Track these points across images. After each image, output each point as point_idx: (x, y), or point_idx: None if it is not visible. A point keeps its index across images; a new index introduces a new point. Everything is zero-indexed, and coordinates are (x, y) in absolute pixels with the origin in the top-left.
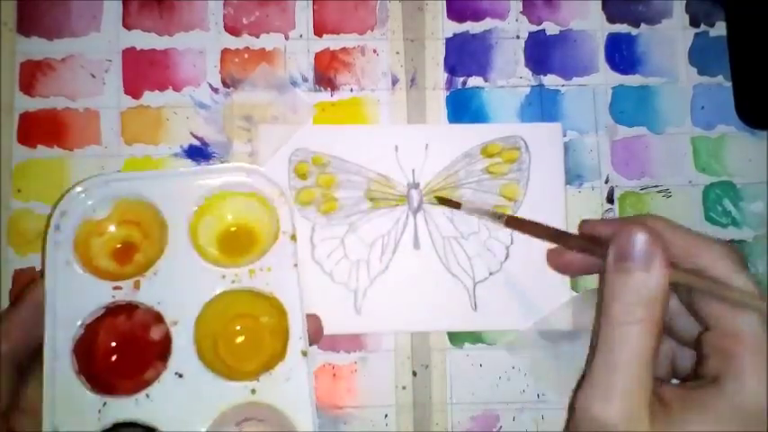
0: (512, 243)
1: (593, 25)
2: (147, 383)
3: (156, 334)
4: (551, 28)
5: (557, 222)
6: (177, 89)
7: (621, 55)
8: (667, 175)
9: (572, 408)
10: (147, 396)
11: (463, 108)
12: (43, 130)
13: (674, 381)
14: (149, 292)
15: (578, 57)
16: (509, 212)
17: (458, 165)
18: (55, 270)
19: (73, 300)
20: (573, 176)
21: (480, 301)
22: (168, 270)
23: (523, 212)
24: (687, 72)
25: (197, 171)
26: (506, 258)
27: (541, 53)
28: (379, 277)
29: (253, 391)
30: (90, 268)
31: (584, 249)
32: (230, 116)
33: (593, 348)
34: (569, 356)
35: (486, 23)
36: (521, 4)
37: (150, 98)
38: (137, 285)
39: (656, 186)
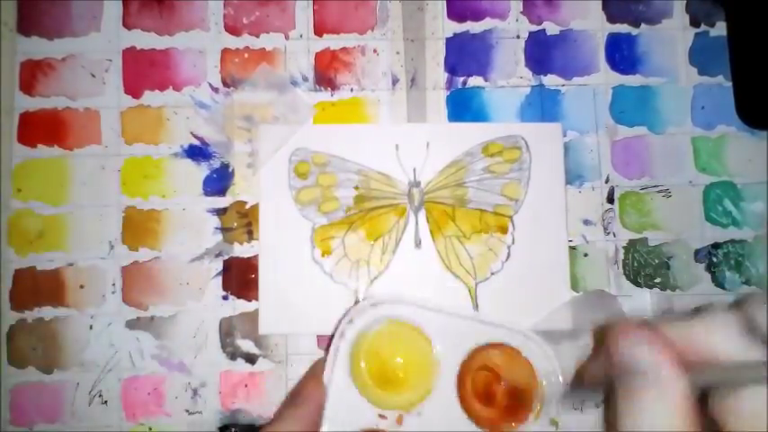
0: (513, 243)
1: (593, 25)
2: None
3: None
4: (551, 28)
5: (557, 222)
6: (177, 89)
7: (622, 55)
8: (668, 175)
9: None
10: None
11: (463, 108)
12: (43, 129)
13: None
14: (409, 430)
15: (578, 57)
16: (510, 212)
17: (459, 163)
18: (337, 382)
19: (342, 417)
20: (573, 176)
21: (482, 301)
22: (432, 413)
23: (524, 212)
24: (687, 72)
25: (480, 319)
26: (508, 258)
27: (542, 53)
28: (380, 277)
29: None
30: (361, 386)
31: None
32: (231, 116)
33: None
34: (569, 356)
35: (487, 23)
36: (521, 4)
37: (150, 98)
38: (399, 420)
39: (656, 186)
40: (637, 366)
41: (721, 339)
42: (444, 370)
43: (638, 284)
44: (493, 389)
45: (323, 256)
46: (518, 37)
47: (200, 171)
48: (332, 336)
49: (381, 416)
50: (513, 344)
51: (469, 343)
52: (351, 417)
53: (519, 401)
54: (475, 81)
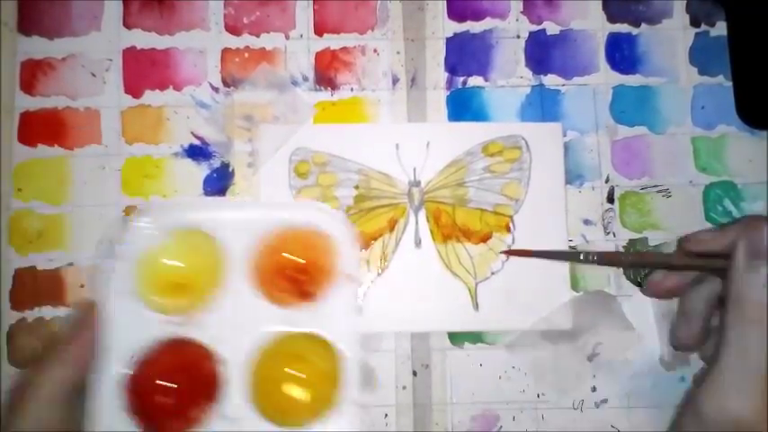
0: (513, 242)
1: (593, 25)
2: (195, 424)
3: (206, 372)
4: (552, 28)
5: (557, 222)
6: (178, 88)
7: (622, 55)
8: (668, 175)
9: (695, 406)
10: None
11: (464, 108)
12: (44, 129)
13: None
14: (203, 328)
15: (579, 56)
16: (510, 212)
17: (459, 163)
18: (113, 300)
19: (127, 332)
20: (573, 176)
21: (482, 301)
22: (224, 306)
23: (525, 212)
24: (687, 72)
25: (264, 205)
26: (508, 258)
27: (542, 53)
28: (380, 277)
29: None
30: (146, 300)
31: (696, 267)
32: (231, 116)
33: (720, 347)
34: (569, 356)
35: (487, 23)
36: (521, 3)
37: (151, 97)
38: (191, 320)
39: (656, 186)
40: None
41: None
42: (233, 260)
43: (638, 284)
44: (287, 269)
45: None
46: (518, 37)
47: (200, 171)
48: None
49: (170, 321)
50: (305, 221)
51: (257, 229)
52: (137, 330)
53: (319, 273)
54: (475, 81)
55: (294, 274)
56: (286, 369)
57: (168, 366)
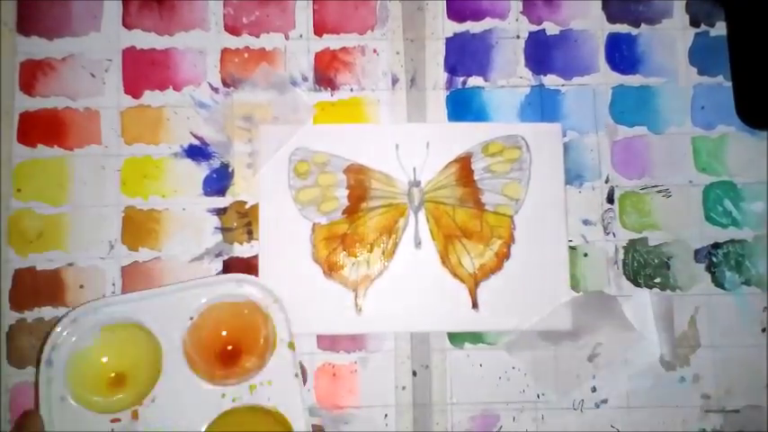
0: (514, 243)
1: (593, 25)
2: None
3: None
4: (551, 28)
5: (557, 222)
6: (177, 89)
7: (622, 55)
8: (668, 175)
9: None
10: None
11: (463, 108)
12: (43, 129)
13: None
14: (149, 420)
15: (578, 57)
16: (511, 212)
17: (459, 163)
18: (50, 407)
19: None
20: (573, 176)
21: (481, 301)
22: (166, 395)
23: (525, 212)
24: (687, 72)
25: (186, 287)
26: (508, 258)
27: (542, 53)
28: (380, 277)
29: None
30: (85, 402)
31: None
32: (230, 116)
33: None
34: (569, 357)
35: (487, 23)
36: (521, 3)
37: (150, 98)
38: (135, 415)
39: (656, 186)
40: None
41: None
42: (167, 347)
43: (638, 284)
44: (221, 347)
45: (322, 255)
46: (518, 37)
47: (200, 171)
48: (38, 365)
49: (114, 419)
50: (230, 294)
51: (185, 312)
52: None
53: (252, 342)
54: (475, 81)
55: (228, 350)
56: None
57: None
